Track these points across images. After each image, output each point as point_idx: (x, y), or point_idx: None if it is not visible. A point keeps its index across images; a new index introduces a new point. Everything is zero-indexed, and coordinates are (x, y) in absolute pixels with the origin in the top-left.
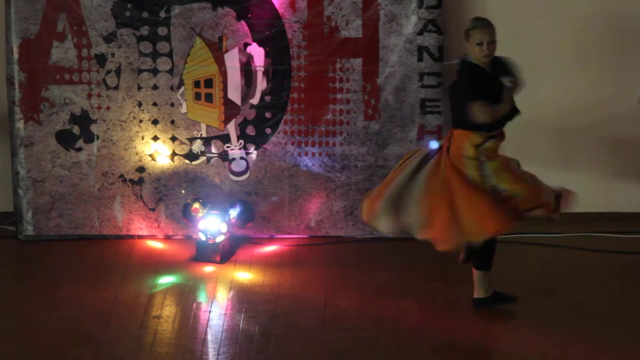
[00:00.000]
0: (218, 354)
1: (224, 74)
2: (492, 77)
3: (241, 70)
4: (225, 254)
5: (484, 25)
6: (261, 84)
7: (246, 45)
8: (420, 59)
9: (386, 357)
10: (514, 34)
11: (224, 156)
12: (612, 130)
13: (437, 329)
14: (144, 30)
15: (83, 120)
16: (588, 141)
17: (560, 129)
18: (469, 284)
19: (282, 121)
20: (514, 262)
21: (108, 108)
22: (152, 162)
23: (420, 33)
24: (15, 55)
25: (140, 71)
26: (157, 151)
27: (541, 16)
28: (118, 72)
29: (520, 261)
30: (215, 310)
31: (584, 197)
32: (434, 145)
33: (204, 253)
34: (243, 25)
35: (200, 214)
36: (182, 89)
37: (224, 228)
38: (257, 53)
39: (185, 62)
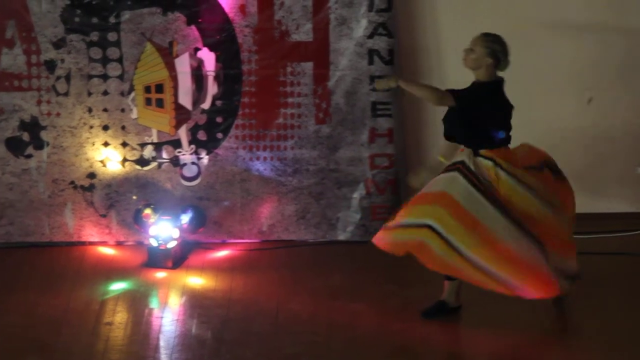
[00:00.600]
0: None
1: (174, 79)
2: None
3: (192, 75)
4: (177, 259)
5: (482, 35)
6: (212, 88)
7: (197, 50)
8: (370, 62)
9: None
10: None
11: (175, 161)
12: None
13: (391, 332)
14: (94, 36)
15: (33, 126)
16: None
17: None
18: (422, 286)
19: (234, 126)
20: None
21: (58, 114)
22: (103, 168)
23: (370, 36)
24: None
25: (90, 77)
26: (108, 157)
27: (488, 16)
28: (68, 78)
29: None
30: (168, 316)
31: None
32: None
33: (156, 259)
34: (193, 30)
35: (151, 220)
36: (133, 94)
37: (175, 233)
38: (208, 58)
39: (136, 68)
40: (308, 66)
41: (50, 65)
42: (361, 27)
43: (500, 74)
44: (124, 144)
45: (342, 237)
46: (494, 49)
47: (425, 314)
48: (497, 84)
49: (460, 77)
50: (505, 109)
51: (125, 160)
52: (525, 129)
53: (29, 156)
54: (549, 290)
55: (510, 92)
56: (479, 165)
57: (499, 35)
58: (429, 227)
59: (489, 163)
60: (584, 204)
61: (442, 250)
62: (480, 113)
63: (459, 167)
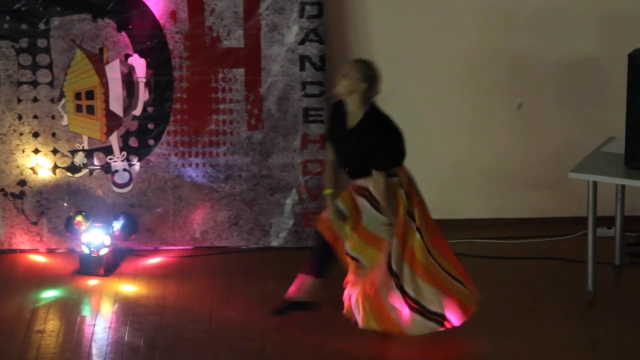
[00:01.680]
0: None
1: (105, 85)
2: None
3: (123, 82)
4: (109, 266)
5: (354, 62)
6: (143, 95)
7: (127, 56)
8: (302, 69)
9: None
10: (396, 40)
11: (106, 168)
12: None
13: (324, 337)
14: (23, 43)
15: None
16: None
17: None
18: None
19: (165, 132)
20: None
21: None
22: (34, 175)
23: (302, 42)
24: None
25: (19, 84)
26: (38, 164)
27: (417, 22)
28: None
29: None
30: (100, 324)
31: (467, 204)
32: None
33: (88, 266)
34: (124, 37)
35: (83, 227)
36: (63, 101)
37: (107, 241)
38: (139, 64)
39: (66, 74)
40: (240, 72)
41: None
42: (292, 33)
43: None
44: (55, 151)
45: (275, 243)
46: (368, 74)
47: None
48: (378, 112)
49: (391, 81)
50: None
51: (56, 167)
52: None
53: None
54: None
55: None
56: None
57: (372, 62)
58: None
59: (395, 179)
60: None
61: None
62: (389, 150)
63: (366, 194)
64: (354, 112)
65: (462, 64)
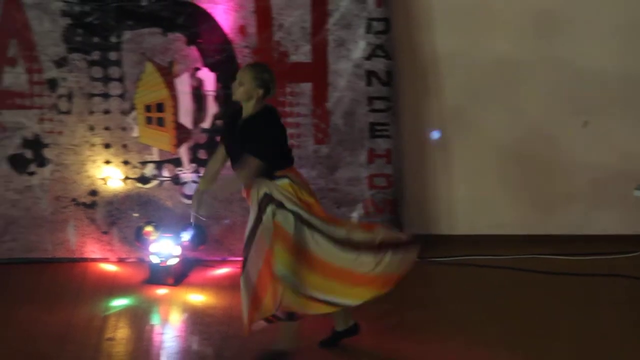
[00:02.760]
0: None
1: (175, 98)
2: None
3: (192, 95)
4: (178, 276)
5: (247, 67)
6: (212, 108)
7: (197, 69)
8: (369, 84)
9: None
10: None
11: (176, 180)
12: (555, 154)
13: (386, 349)
14: (95, 55)
15: (35, 144)
16: (532, 164)
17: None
18: (418, 307)
19: None
20: (465, 283)
21: (60, 132)
22: (105, 185)
23: (368, 58)
24: None
25: (92, 96)
26: (109, 175)
27: (485, 36)
28: (70, 97)
29: (472, 282)
30: (169, 333)
31: (529, 219)
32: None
33: (157, 276)
34: (193, 50)
35: (153, 237)
36: (134, 113)
37: (176, 251)
38: (208, 77)
39: (137, 87)
40: (307, 87)
41: (52, 84)
42: (359, 48)
43: None
44: (126, 162)
45: None
46: (264, 78)
47: (322, 344)
48: (270, 109)
49: (458, 96)
50: (284, 130)
51: (126, 178)
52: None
53: (32, 173)
54: (382, 284)
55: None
56: (278, 188)
57: (265, 64)
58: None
59: (285, 181)
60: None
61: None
62: (269, 139)
63: (270, 200)
64: (247, 113)
65: (527, 79)
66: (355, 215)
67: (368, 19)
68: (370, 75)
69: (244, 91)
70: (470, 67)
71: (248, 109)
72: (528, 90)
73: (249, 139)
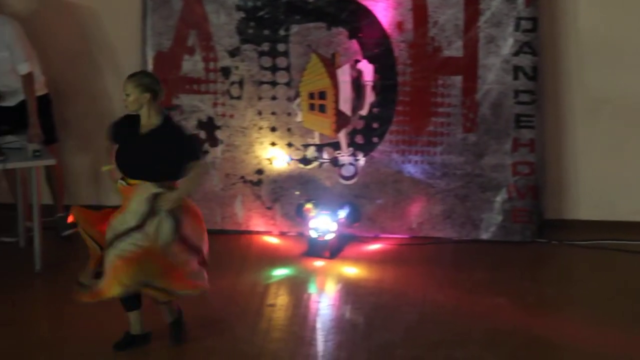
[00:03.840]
0: (326, 341)
1: (336, 87)
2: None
3: (352, 84)
4: (334, 250)
5: (128, 77)
6: (370, 97)
7: (357, 61)
8: (515, 78)
9: (480, 348)
10: (606, 55)
11: (334, 162)
12: None
13: (527, 325)
14: (265, 47)
15: (209, 126)
16: None
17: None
18: (558, 284)
19: (388, 131)
20: (602, 265)
21: (231, 116)
22: (270, 165)
23: (516, 54)
24: (150, 67)
25: (261, 83)
26: (274, 156)
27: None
28: (241, 84)
29: (608, 265)
30: (324, 301)
31: None
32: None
33: (315, 249)
34: (354, 44)
35: (312, 214)
36: (298, 100)
37: (333, 227)
38: (367, 69)
39: (302, 76)
40: (458, 79)
41: (226, 72)
42: (508, 45)
43: None
44: (289, 145)
45: (484, 236)
46: (144, 83)
47: (116, 347)
48: (171, 118)
49: (602, 91)
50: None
51: (290, 159)
52: None
53: (205, 152)
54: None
55: None
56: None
57: (143, 70)
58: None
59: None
60: None
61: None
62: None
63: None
64: (147, 120)
65: None
66: (498, 199)
67: (517, 18)
68: (517, 70)
69: (133, 100)
70: (612, 68)
71: (145, 115)
72: None
73: (181, 147)
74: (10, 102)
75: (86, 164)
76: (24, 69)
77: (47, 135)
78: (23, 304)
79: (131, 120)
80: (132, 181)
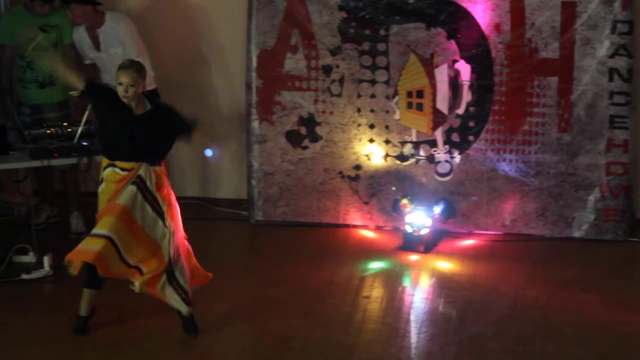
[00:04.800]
0: (419, 333)
1: (433, 86)
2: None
3: (449, 84)
4: (429, 245)
5: (126, 68)
6: (466, 96)
7: (454, 61)
8: (610, 80)
9: (570, 343)
10: None
11: (430, 159)
12: None
13: (618, 322)
14: (366, 46)
15: (309, 122)
16: None
17: None
18: None
19: (484, 130)
20: None
21: (331, 113)
22: (368, 161)
23: (611, 56)
24: (254, 64)
25: (360, 81)
26: (372, 152)
27: None
28: (341, 82)
29: None
30: (418, 294)
31: None
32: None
33: (410, 243)
34: (452, 44)
35: (408, 209)
36: (397, 98)
37: (428, 222)
38: (464, 69)
39: (400, 75)
40: (553, 80)
41: (327, 70)
42: (604, 47)
43: None
44: (387, 141)
45: (576, 234)
46: (142, 71)
47: (76, 331)
48: (154, 101)
49: None
50: None
51: (387, 155)
52: None
53: (305, 147)
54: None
55: None
56: (152, 176)
57: (130, 59)
58: (109, 239)
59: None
60: None
61: (114, 261)
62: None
63: (137, 181)
64: (137, 103)
65: None
66: (591, 198)
67: (614, 21)
68: (612, 72)
69: (135, 90)
70: None
71: (141, 102)
72: None
73: (172, 124)
74: None
75: (194, 158)
76: None
77: None
78: None
79: (118, 101)
80: (123, 164)
